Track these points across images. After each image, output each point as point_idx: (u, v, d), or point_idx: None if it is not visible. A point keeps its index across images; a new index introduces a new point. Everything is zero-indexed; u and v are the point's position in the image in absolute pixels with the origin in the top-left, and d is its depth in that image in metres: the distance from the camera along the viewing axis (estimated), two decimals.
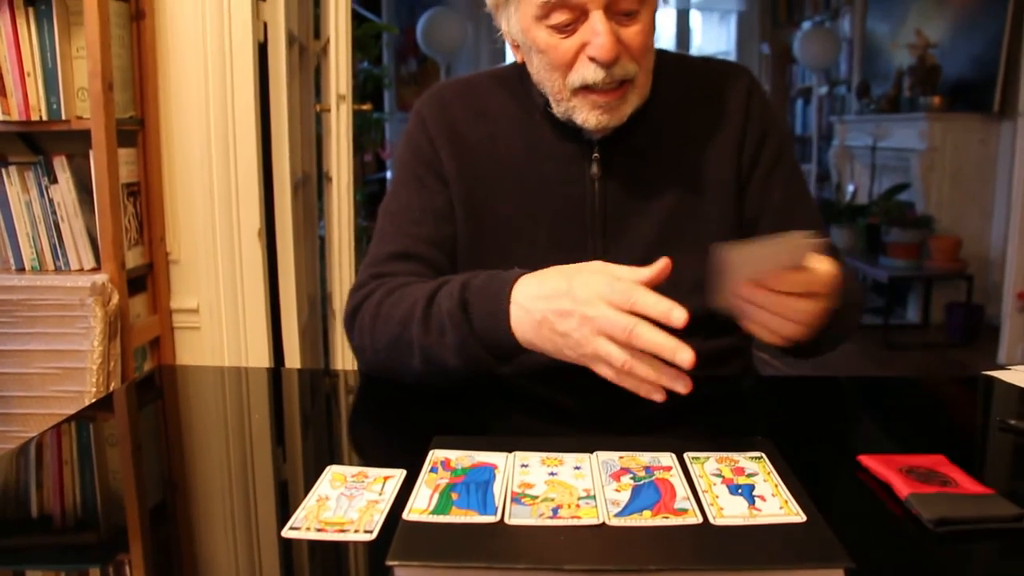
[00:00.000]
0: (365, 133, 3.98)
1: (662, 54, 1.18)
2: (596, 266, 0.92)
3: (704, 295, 1.11)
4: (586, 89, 1.05)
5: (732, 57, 8.68)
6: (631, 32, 1.03)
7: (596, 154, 1.13)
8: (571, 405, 1.04)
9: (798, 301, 0.88)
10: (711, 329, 1.10)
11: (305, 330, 2.52)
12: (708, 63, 1.25)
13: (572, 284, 0.89)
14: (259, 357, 2.25)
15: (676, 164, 1.15)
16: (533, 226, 1.15)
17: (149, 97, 2.11)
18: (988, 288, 4.70)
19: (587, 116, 1.07)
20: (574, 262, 1.10)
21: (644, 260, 1.10)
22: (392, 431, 1.00)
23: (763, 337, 0.93)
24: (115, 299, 1.89)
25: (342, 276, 2.51)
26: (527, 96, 1.17)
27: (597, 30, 0.99)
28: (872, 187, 5.38)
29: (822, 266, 0.90)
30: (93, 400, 1.82)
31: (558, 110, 1.10)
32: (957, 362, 4.24)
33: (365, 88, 4.38)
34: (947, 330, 4.69)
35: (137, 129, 2.11)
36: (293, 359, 2.33)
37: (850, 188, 5.74)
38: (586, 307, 0.87)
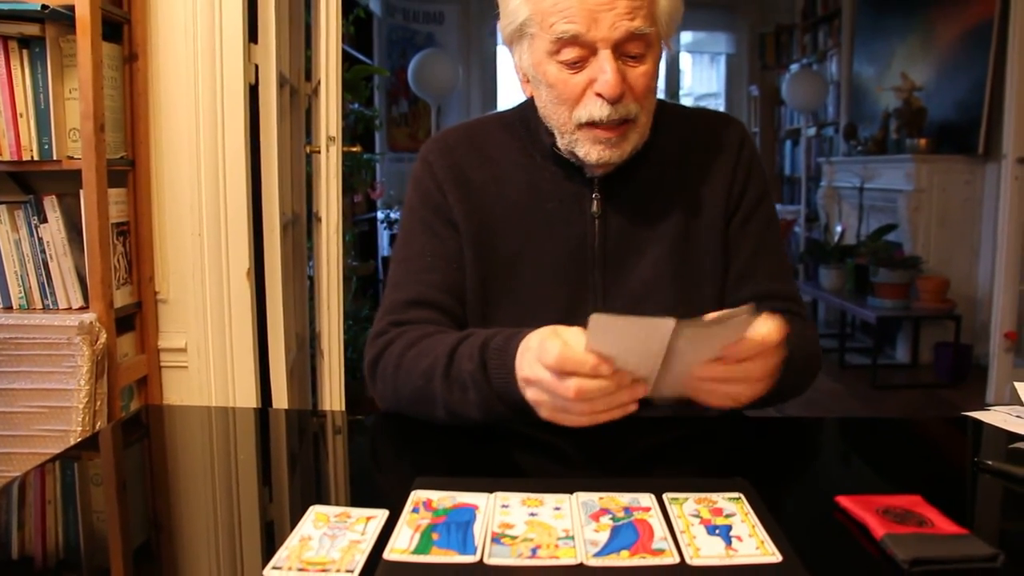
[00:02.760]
0: (355, 174, 4.01)
1: (662, 103, 1.24)
2: (552, 332, 0.94)
3: None
4: (590, 124, 1.10)
5: (721, 98, 8.79)
6: (636, 73, 1.09)
7: (596, 194, 1.19)
8: (554, 444, 1.04)
9: (750, 364, 0.92)
10: None
11: (293, 369, 2.52)
12: (705, 113, 1.31)
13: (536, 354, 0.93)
14: (246, 396, 2.25)
15: (673, 205, 1.20)
16: (537, 264, 1.19)
17: (140, 138, 2.12)
18: (976, 328, 4.72)
19: (589, 150, 1.12)
20: (577, 298, 1.19)
21: (642, 296, 1.18)
22: (376, 471, 1.00)
23: (722, 405, 0.96)
24: (103, 338, 1.89)
25: (330, 316, 2.52)
26: (530, 138, 1.23)
27: (605, 68, 1.05)
28: (860, 228, 5.42)
29: (768, 326, 0.92)
30: (78, 439, 1.82)
31: (562, 143, 1.15)
32: (946, 402, 4.24)
33: (356, 129, 4.42)
34: (935, 370, 4.70)
35: (128, 169, 2.12)
36: (280, 398, 2.33)
37: (838, 229, 5.78)
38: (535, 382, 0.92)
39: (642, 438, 1.04)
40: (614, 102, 1.06)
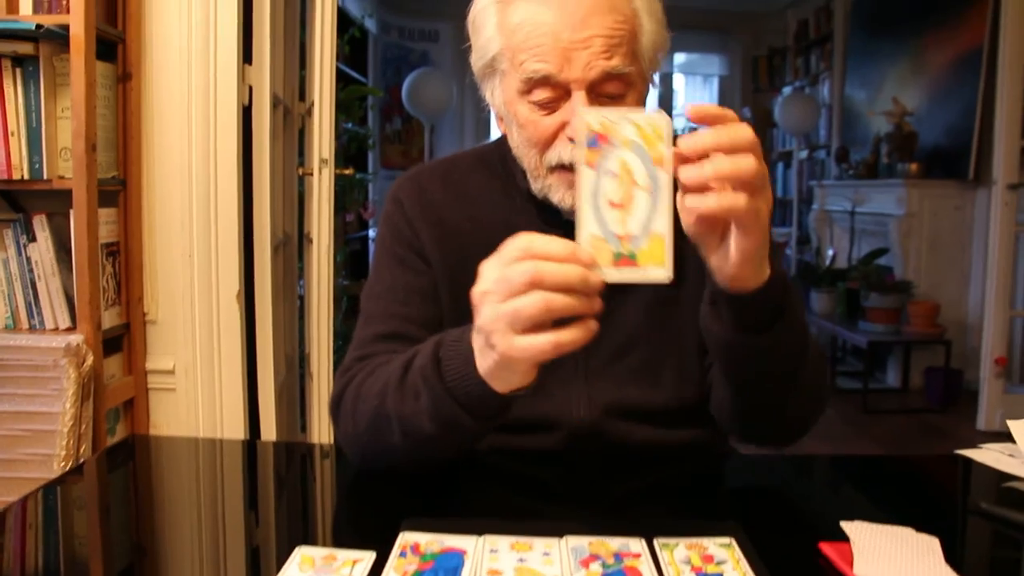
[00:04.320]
0: (348, 193, 4.01)
1: None
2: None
3: (685, 384, 1.12)
4: (563, 168, 1.03)
5: None
6: None
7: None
8: (544, 484, 1.03)
9: (733, 157, 0.78)
10: (686, 420, 1.12)
11: (282, 392, 2.50)
12: None
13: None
14: (234, 419, 2.23)
15: None
16: None
17: (132, 157, 2.11)
18: (966, 353, 4.73)
19: (563, 195, 1.05)
20: None
21: (625, 343, 1.11)
22: (364, 510, 0.99)
23: (709, 211, 0.80)
24: (89, 360, 1.88)
25: (320, 337, 2.50)
26: (508, 177, 1.16)
27: (577, 111, 0.98)
28: (851, 251, 5.44)
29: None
30: (62, 463, 1.80)
31: (535, 186, 1.09)
32: (936, 427, 4.24)
33: (349, 149, 4.42)
34: (926, 395, 4.70)
35: (119, 189, 2.11)
36: (269, 422, 2.31)
37: (830, 252, 5.79)
38: (482, 286, 0.80)
39: (632, 475, 1.03)
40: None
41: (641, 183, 0.78)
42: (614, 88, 1.00)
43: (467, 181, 1.18)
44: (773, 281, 0.88)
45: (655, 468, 1.08)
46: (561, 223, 1.10)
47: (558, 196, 1.06)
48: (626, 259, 0.78)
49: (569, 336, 0.77)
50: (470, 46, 1.10)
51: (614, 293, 1.11)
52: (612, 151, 0.78)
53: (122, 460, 1.17)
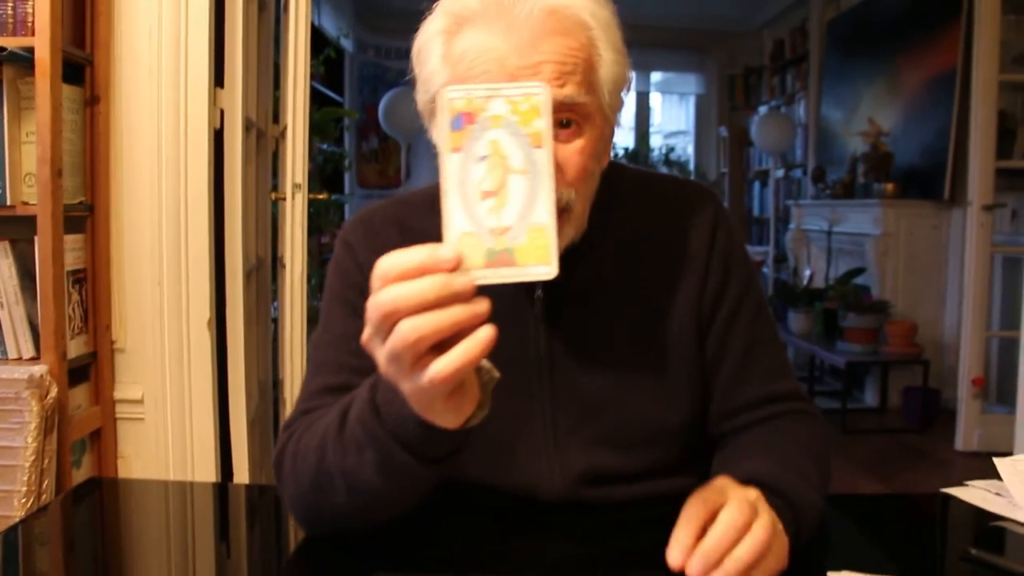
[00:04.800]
0: (323, 215, 3.96)
1: (620, 168, 1.10)
2: None
3: (663, 445, 1.05)
4: None
5: (691, 136, 8.86)
6: (568, 151, 0.92)
7: (539, 291, 1.03)
8: (522, 534, 0.99)
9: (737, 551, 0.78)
10: (671, 472, 1.06)
11: (255, 420, 2.45)
12: (672, 186, 1.14)
13: None
14: (205, 450, 2.18)
15: (631, 302, 1.05)
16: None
17: (100, 182, 2.07)
18: (944, 372, 4.74)
19: None
20: (521, 410, 1.02)
21: (597, 407, 1.03)
22: (336, 562, 0.94)
23: None
24: (53, 392, 1.82)
25: (293, 363, 2.46)
26: None
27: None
28: (829, 271, 5.45)
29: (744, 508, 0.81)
30: (23, 500, 1.74)
31: None
32: (915, 448, 4.24)
33: (324, 170, 4.37)
34: (904, 414, 4.71)
35: (86, 215, 2.06)
36: (241, 452, 2.26)
37: (807, 272, 5.80)
38: (366, 331, 0.71)
39: (617, 535, 0.99)
40: None
41: (517, 166, 0.68)
42: (562, 112, 0.91)
43: (422, 223, 1.05)
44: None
45: (642, 526, 1.01)
46: None
47: None
48: (503, 256, 0.68)
49: (457, 358, 0.66)
50: (414, 78, 1.01)
51: (580, 352, 1.03)
52: (481, 132, 0.68)
53: (83, 509, 1.13)
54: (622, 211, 1.08)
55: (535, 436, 1.03)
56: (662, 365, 1.05)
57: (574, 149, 0.92)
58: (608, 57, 0.95)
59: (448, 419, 0.75)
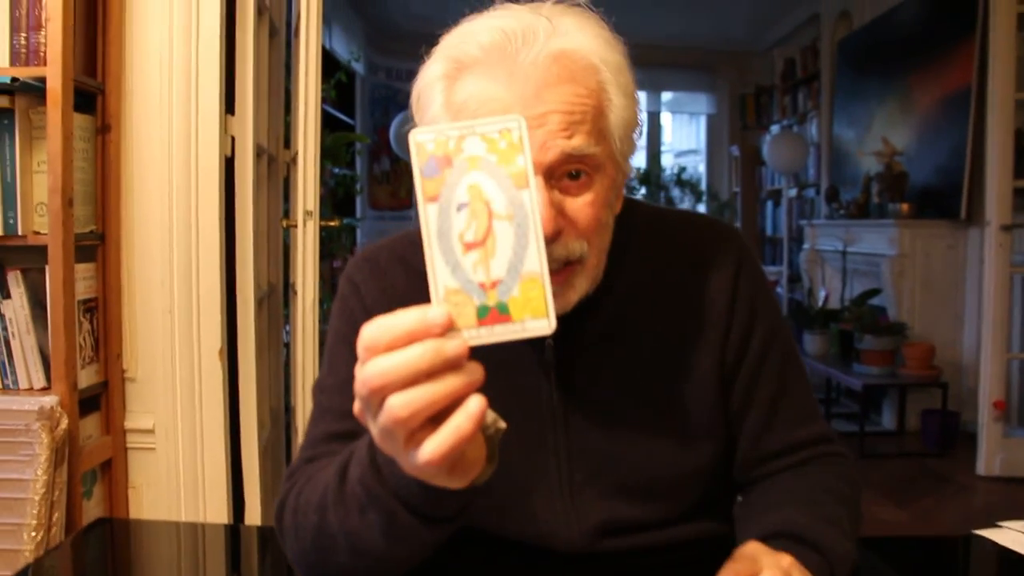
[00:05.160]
0: (335, 239, 3.95)
1: (635, 206, 1.06)
2: None
3: (683, 494, 1.01)
4: None
5: (703, 155, 8.85)
6: (579, 204, 0.87)
7: (550, 340, 0.97)
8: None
9: None
10: (693, 518, 1.02)
11: (267, 448, 2.43)
12: (692, 225, 1.08)
13: None
14: (216, 480, 2.15)
15: (647, 351, 1.00)
16: None
17: (111, 211, 2.06)
18: (962, 394, 4.67)
19: None
20: (534, 461, 0.98)
21: (613, 458, 0.98)
22: None
23: None
24: (64, 423, 1.80)
25: (305, 390, 2.43)
26: None
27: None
28: (844, 292, 5.40)
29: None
30: (33, 533, 1.71)
31: None
32: (935, 472, 4.18)
33: (336, 194, 4.37)
34: (923, 438, 4.64)
35: (97, 244, 2.05)
36: (252, 480, 2.23)
37: (822, 293, 5.75)
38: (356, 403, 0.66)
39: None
40: (549, 242, 0.81)
41: (501, 211, 0.63)
42: (573, 164, 0.86)
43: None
44: None
45: (662, 572, 1.00)
46: None
47: None
48: (495, 313, 0.62)
49: (447, 437, 0.61)
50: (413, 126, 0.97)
51: (594, 402, 0.98)
52: (458, 176, 0.63)
53: (97, 546, 1.10)
54: (637, 253, 1.03)
55: (550, 488, 0.99)
56: (682, 414, 1.01)
57: (585, 202, 0.88)
58: (619, 102, 0.90)
59: (453, 482, 0.69)
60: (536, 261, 0.62)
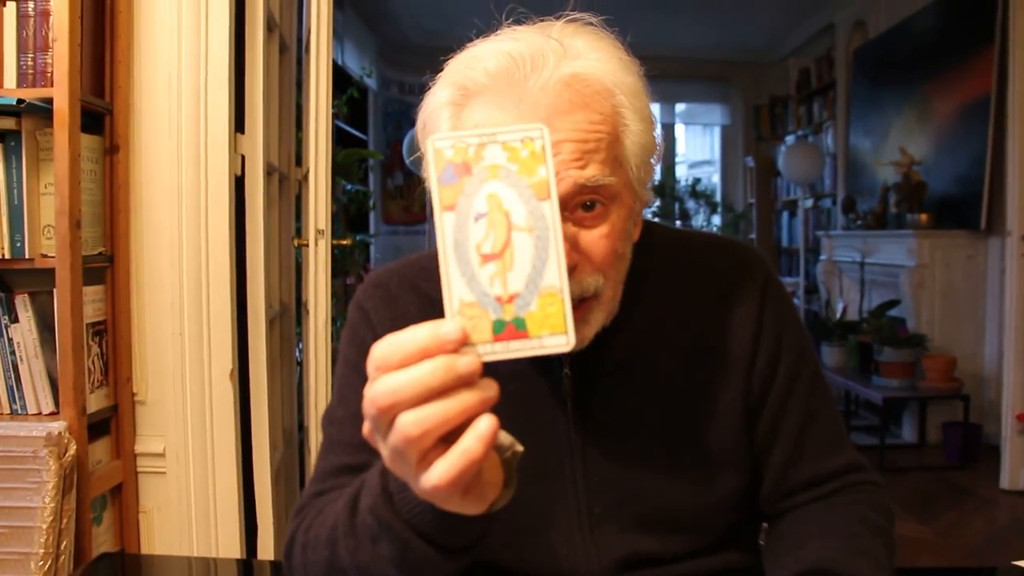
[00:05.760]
0: (348, 256, 3.92)
1: (653, 229, 1.02)
2: None
3: (706, 527, 0.98)
4: None
5: (717, 166, 8.80)
6: (593, 237, 0.84)
7: (567, 370, 0.94)
8: None
9: None
10: (714, 548, 0.98)
11: (279, 470, 2.39)
12: (713, 249, 1.04)
13: None
14: (228, 504, 2.12)
15: (667, 381, 0.96)
16: None
17: (120, 232, 2.03)
18: (984, 406, 4.60)
19: None
20: (553, 494, 0.95)
21: (633, 491, 0.95)
22: None
23: None
24: (72, 449, 1.77)
25: (318, 409, 2.40)
26: None
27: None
28: (862, 303, 5.33)
29: None
30: (41, 562, 1.68)
31: None
32: (958, 486, 4.10)
33: (349, 210, 4.35)
34: (944, 450, 4.57)
35: (106, 265, 2.02)
36: (265, 503, 2.20)
37: (840, 305, 5.69)
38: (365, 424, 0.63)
39: None
40: None
41: (520, 223, 0.60)
42: (587, 195, 0.82)
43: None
44: None
45: None
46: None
47: None
48: (511, 328, 0.59)
49: (457, 461, 0.58)
50: (420, 157, 0.88)
51: (613, 434, 0.94)
52: (477, 185, 0.60)
53: None
54: (656, 281, 0.99)
55: (569, 522, 0.96)
56: (704, 446, 0.97)
57: (600, 234, 0.84)
58: (635, 127, 0.86)
59: (469, 508, 0.66)
60: (556, 275, 0.60)
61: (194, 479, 2.10)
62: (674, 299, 0.99)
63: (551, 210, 0.60)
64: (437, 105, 0.86)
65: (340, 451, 0.96)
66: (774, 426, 0.99)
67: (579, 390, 0.95)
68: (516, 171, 0.60)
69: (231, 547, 2.13)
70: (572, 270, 0.81)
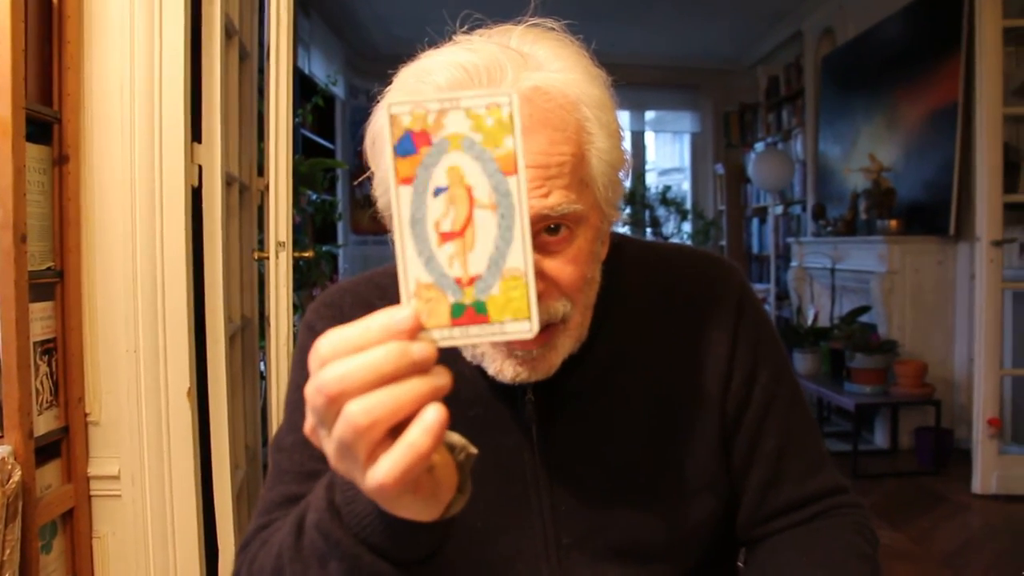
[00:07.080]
0: (314, 268, 3.84)
1: (623, 244, 0.97)
2: None
3: (680, 555, 0.93)
4: None
5: (687, 173, 8.80)
6: (557, 263, 0.79)
7: (530, 395, 0.89)
8: None
9: None
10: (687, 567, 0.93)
11: (242, 488, 2.31)
12: (685, 262, 0.99)
13: None
14: (187, 525, 2.03)
15: (637, 404, 0.91)
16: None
17: (70, 246, 1.94)
18: (955, 411, 4.62)
19: (501, 366, 0.82)
20: (518, 524, 0.90)
21: (603, 519, 0.90)
22: None
23: None
24: (16, 475, 1.68)
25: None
26: None
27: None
28: (833, 309, 5.33)
29: None
30: None
31: (465, 353, 0.85)
32: (931, 491, 4.10)
33: (314, 221, 4.27)
34: (916, 456, 4.57)
35: (55, 281, 1.94)
36: (226, 525, 2.12)
37: (811, 311, 5.69)
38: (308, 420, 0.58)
39: None
40: None
41: (483, 199, 0.55)
42: (557, 226, 0.78)
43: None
44: None
45: None
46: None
47: (495, 367, 0.83)
48: (471, 312, 0.55)
49: (403, 455, 0.53)
50: (371, 177, 0.83)
51: (581, 458, 0.89)
52: (436, 156, 0.55)
53: None
54: (625, 300, 0.94)
55: (535, 553, 0.90)
56: (678, 471, 0.92)
57: (566, 260, 0.79)
58: (602, 143, 0.80)
59: (422, 512, 0.61)
60: (520, 257, 0.55)
61: (151, 502, 2.02)
62: (645, 320, 0.94)
63: (518, 186, 0.55)
64: (384, 124, 0.80)
65: (288, 480, 0.89)
66: (751, 448, 0.94)
67: (543, 416, 0.90)
68: (480, 141, 0.55)
69: (190, 571, 2.05)
70: (539, 296, 0.76)
